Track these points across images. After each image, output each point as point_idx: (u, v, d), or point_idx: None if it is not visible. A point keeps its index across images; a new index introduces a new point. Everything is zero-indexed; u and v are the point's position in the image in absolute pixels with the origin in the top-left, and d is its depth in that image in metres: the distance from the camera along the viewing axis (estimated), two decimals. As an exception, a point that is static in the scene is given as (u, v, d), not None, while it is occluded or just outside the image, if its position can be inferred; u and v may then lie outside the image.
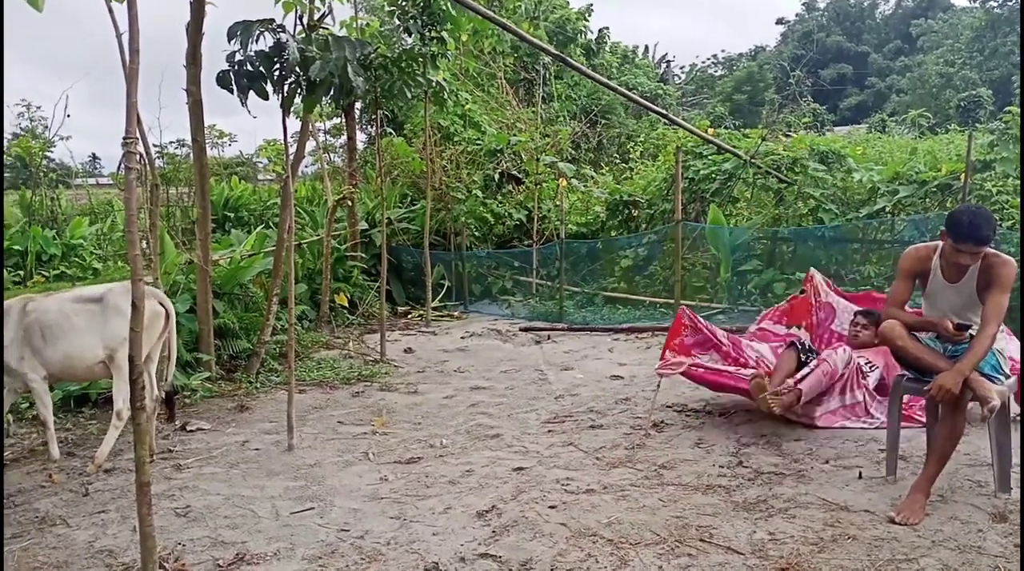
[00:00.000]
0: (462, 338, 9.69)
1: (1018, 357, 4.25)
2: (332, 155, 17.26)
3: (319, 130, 14.06)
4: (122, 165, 3.14)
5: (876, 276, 9.05)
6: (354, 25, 8.83)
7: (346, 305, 10.50)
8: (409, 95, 8.65)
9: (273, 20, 4.93)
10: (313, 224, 11.89)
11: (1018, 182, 8.46)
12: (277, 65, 4.99)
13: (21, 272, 10.02)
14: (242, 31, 4.77)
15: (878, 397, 5.35)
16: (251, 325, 7.74)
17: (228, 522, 3.96)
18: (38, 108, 14.17)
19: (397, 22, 9.82)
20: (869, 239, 9.69)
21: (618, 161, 18.57)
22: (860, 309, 6.00)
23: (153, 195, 6.52)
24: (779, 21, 64.48)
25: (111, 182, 16.85)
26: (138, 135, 3.11)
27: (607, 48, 22.66)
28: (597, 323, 10.47)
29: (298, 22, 5.47)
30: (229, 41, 4.81)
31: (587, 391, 6.73)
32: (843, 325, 6.08)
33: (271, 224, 12.14)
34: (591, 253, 12.24)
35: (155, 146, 10.52)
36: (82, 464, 4.91)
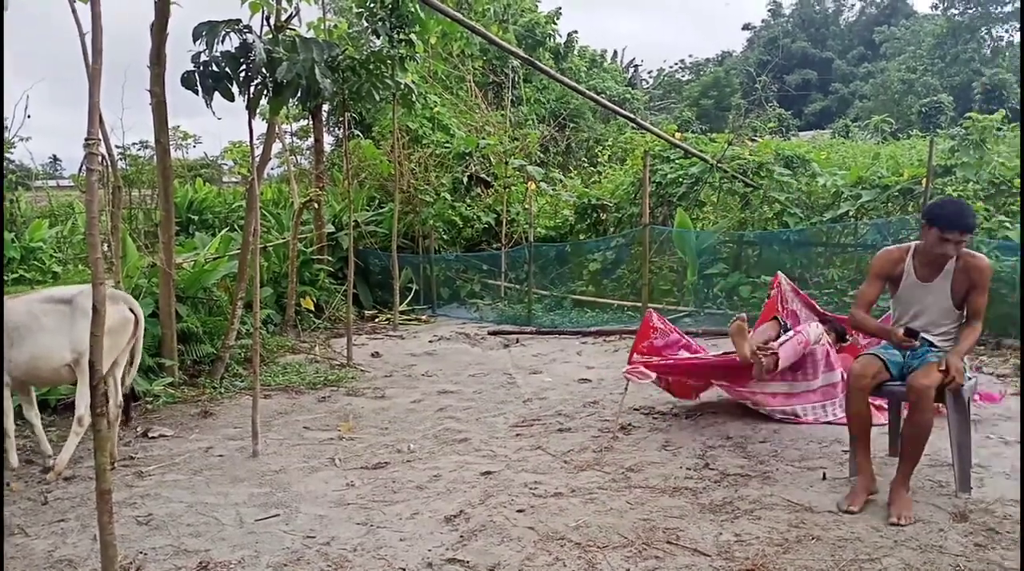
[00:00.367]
0: (430, 342, 9.65)
1: None
2: (299, 157, 17.10)
3: (286, 132, 13.91)
4: (84, 167, 3.09)
5: (840, 279, 9.20)
6: (322, 26, 8.75)
7: (312, 309, 10.41)
8: (377, 97, 8.62)
9: (239, 21, 4.89)
10: (279, 227, 11.76)
11: (978, 186, 8.65)
12: (243, 66, 4.95)
13: (-23, 276, 9.79)
14: (208, 31, 4.73)
15: None
16: (215, 329, 7.63)
17: (191, 530, 3.91)
18: (-3, 108, 13.84)
19: (365, 24, 9.76)
20: (833, 243, 9.85)
21: (586, 165, 18.61)
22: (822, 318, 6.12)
23: (115, 197, 6.40)
24: (745, 27, 65.21)
25: (72, 184, 16.51)
26: (100, 136, 3.06)
27: (576, 52, 22.72)
28: (565, 326, 10.48)
29: (265, 23, 5.43)
30: (194, 41, 4.77)
31: (555, 394, 6.74)
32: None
33: (236, 227, 11.97)
34: (559, 256, 12.27)
35: (118, 147, 10.38)
36: (40, 472, 4.81)
